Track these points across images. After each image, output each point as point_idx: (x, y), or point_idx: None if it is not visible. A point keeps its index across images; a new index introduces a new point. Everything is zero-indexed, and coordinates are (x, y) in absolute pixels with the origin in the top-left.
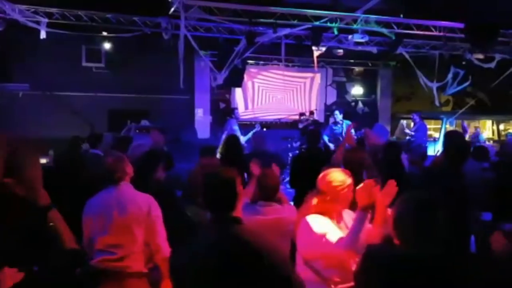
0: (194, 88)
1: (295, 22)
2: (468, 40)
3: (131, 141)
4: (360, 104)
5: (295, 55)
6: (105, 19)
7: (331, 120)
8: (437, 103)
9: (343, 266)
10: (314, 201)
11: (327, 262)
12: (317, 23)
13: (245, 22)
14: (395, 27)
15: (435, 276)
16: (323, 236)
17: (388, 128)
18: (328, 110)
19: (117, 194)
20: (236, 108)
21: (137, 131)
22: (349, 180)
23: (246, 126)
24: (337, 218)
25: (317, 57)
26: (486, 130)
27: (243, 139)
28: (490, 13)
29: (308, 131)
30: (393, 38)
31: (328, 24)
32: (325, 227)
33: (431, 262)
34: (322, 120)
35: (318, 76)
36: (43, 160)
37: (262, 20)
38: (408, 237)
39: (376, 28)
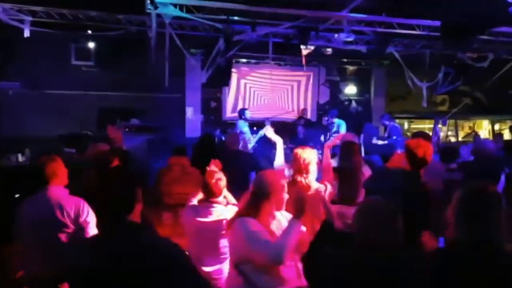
0: (185, 86)
1: (275, 21)
2: (442, 39)
3: (89, 139)
4: (354, 104)
5: (287, 54)
6: (89, 17)
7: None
8: (424, 103)
9: (271, 271)
10: (246, 202)
11: (254, 266)
12: (298, 22)
13: (223, 20)
14: (378, 26)
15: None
16: (250, 239)
17: (382, 128)
18: (321, 110)
19: (45, 197)
20: (246, 108)
21: (126, 129)
22: (283, 182)
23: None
24: (269, 221)
25: (307, 55)
26: (483, 129)
27: (253, 139)
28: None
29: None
30: (375, 37)
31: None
32: (254, 229)
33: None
34: (314, 119)
35: (311, 75)
36: (19, 159)
37: (237, 18)
38: None
39: (358, 27)
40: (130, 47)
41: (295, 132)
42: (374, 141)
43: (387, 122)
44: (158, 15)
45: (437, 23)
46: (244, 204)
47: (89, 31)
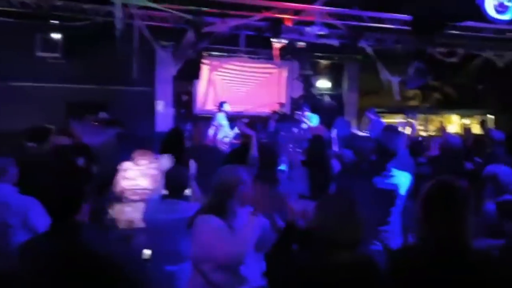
0: (155, 79)
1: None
2: (413, 33)
3: (50, 133)
4: (327, 98)
5: (259, 47)
6: (54, 7)
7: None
8: (397, 97)
9: (232, 270)
10: (208, 199)
11: (215, 264)
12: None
13: (193, 11)
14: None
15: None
16: (211, 237)
17: (355, 122)
18: (295, 104)
19: None
20: (225, 102)
21: (95, 123)
22: (244, 177)
23: (210, 120)
24: (232, 218)
25: (279, 49)
26: (453, 124)
27: (231, 133)
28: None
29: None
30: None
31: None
32: (215, 227)
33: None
34: (288, 113)
35: (284, 69)
36: None
37: (207, 9)
38: None
39: (330, 20)
40: (99, 39)
41: (267, 126)
42: (354, 130)
43: (372, 116)
44: (126, 6)
45: (407, 17)
46: (206, 201)
47: (54, 22)
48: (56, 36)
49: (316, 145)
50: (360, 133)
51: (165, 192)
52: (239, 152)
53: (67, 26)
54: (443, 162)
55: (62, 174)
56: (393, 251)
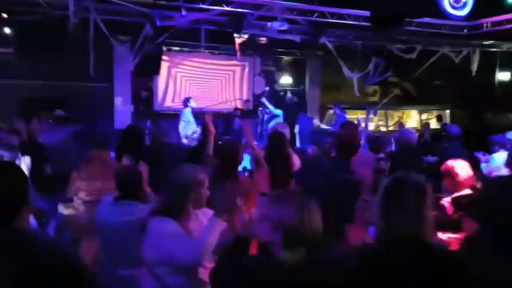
0: (113, 75)
1: (204, 6)
2: (373, 28)
3: None
4: (289, 94)
5: (221, 42)
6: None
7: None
8: (357, 93)
9: (189, 273)
10: (161, 199)
11: (171, 268)
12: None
13: (149, 5)
14: (311, 15)
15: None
16: (166, 239)
17: (317, 118)
18: (257, 100)
19: None
20: (191, 97)
21: (50, 121)
22: (201, 176)
23: (169, 116)
24: (188, 219)
25: (241, 44)
26: (412, 119)
27: (198, 129)
28: (395, 2)
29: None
30: (306, 26)
31: (238, 10)
32: (170, 229)
33: None
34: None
35: (246, 65)
36: None
37: (164, 2)
38: None
39: (291, 16)
40: (53, 33)
41: (230, 123)
42: (317, 123)
43: (337, 111)
44: None
45: (367, 13)
46: (160, 202)
47: (5, 15)
48: (8, 30)
49: (276, 142)
50: (323, 127)
51: (117, 193)
52: (196, 151)
53: (20, 20)
54: (400, 157)
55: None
56: (353, 250)
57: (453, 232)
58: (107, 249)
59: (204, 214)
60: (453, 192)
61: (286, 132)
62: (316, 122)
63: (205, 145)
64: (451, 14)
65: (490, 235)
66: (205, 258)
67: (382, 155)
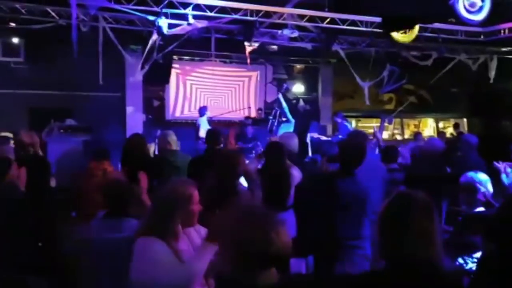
0: (125, 84)
1: (212, 14)
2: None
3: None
4: (302, 102)
5: (232, 51)
6: (13, 9)
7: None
8: (367, 102)
9: None
10: (148, 217)
11: None
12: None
13: (156, 13)
14: (322, 22)
15: None
16: (153, 263)
17: (330, 126)
18: (269, 108)
19: None
20: (206, 106)
21: (61, 131)
22: (191, 191)
23: (182, 125)
24: (177, 239)
25: (252, 53)
26: (428, 128)
27: None
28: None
29: (209, 130)
30: (318, 33)
31: (247, 18)
32: (157, 251)
33: None
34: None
35: (257, 74)
36: None
37: (172, 11)
38: None
39: (302, 23)
40: (63, 42)
41: (243, 131)
42: (316, 135)
43: (338, 120)
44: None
45: (379, 19)
46: (146, 220)
47: (13, 24)
48: (18, 40)
49: (271, 154)
50: (323, 138)
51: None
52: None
53: (29, 29)
54: (421, 168)
55: None
56: (357, 276)
57: (469, 253)
58: (94, 267)
59: (197, 232)
60: (471, 207)
61: (293, 143)
62: (314, 134)
63: (210, 155)
64: (466, 19)
65: (508, 257)
66: (194, 284)
67: (395, 165)
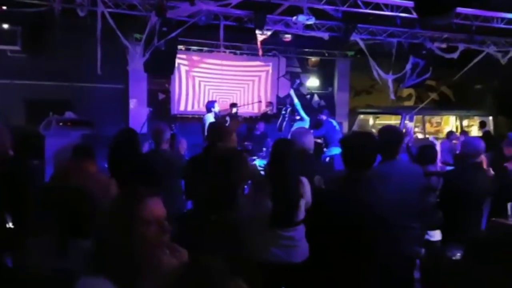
0: (128, 76)
1: None
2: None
3: None
4: (316, 97)
5: (243, 41)
6: None
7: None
8: (392, 96)
9: None
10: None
11: None
12: None
13: None
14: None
15: None
16: None
17: (346, 123)
18: (281, 103)
19: None
20: (215, 101)
21: (60, 124)
22: (149, 208)
23: (188, 120)
24: (134, 279)
25: (263, 43)
26: (450, 126)
27: None
28: None
29: (211, 124)
30: (339, 17)
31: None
32: None
33: None
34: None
35: (270, 67)
36: None
37: None
38: None
39: (320, 5)
40: (63, 29)
41: (252, 128)
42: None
43: (324, 117)
44: None
45: (407, 3)
46: (92, 252)
47: (4, 7)
48: (15, 27)
49: (277, 156)
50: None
51: None
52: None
53: (26, 16)
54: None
55: None
56: None
57: None
58: None
59: (175, 256)
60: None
61: (308, 140)
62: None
63: (210, 154)
64: None
65: None
66: None
67: (432, 167)
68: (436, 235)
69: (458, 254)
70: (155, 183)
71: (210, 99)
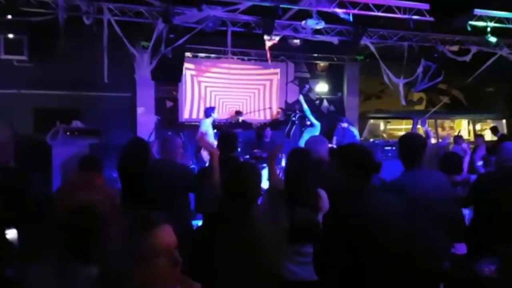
0: (136, 84)
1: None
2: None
3: None
4: (326, 103)
5: (251, 47)
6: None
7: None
8: (403, 101)
9: None
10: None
11: None
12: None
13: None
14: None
15: None
16: None
17: (356, 128)
18: (290, 109)
19: None
20: (214, 107)
21: (67, 133)
22: (158, 240)
23: (196, 128)
24: None
25: (271, 48)
26: (462, 130)
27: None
28: None
29: (222, 133)
30: (350, 20)
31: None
32: None
33: None
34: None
35: (278, 73)
36: None
37: None
38: None
39: (330, 9)
40: (70, 39)
41: (261, 135)
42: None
43: (345, 125)
44: None
45: (420, 5)
46: None
47: (9, 16)
48: (21, 36)
49: (293, 167)
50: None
51: None
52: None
53: (32, 25)
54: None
55: None
56: None
57: None
58: None
59: None
60: None
61: (323, 148)
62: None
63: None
64: None
65: None
66: None
67: (458, 177)
68: (462, 248)
69: (492, 268)
70: (166, 199)
71: (211, 106)
